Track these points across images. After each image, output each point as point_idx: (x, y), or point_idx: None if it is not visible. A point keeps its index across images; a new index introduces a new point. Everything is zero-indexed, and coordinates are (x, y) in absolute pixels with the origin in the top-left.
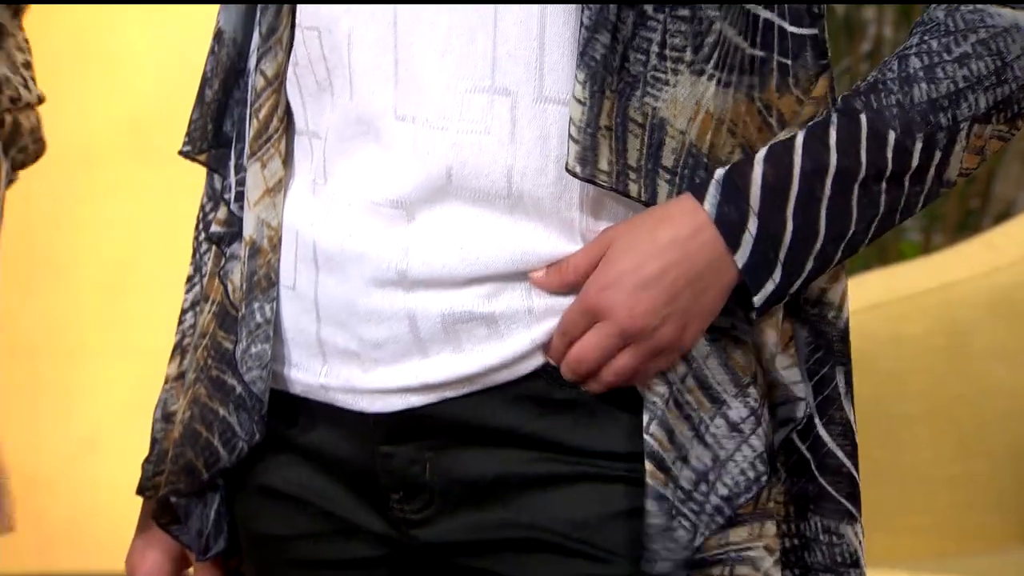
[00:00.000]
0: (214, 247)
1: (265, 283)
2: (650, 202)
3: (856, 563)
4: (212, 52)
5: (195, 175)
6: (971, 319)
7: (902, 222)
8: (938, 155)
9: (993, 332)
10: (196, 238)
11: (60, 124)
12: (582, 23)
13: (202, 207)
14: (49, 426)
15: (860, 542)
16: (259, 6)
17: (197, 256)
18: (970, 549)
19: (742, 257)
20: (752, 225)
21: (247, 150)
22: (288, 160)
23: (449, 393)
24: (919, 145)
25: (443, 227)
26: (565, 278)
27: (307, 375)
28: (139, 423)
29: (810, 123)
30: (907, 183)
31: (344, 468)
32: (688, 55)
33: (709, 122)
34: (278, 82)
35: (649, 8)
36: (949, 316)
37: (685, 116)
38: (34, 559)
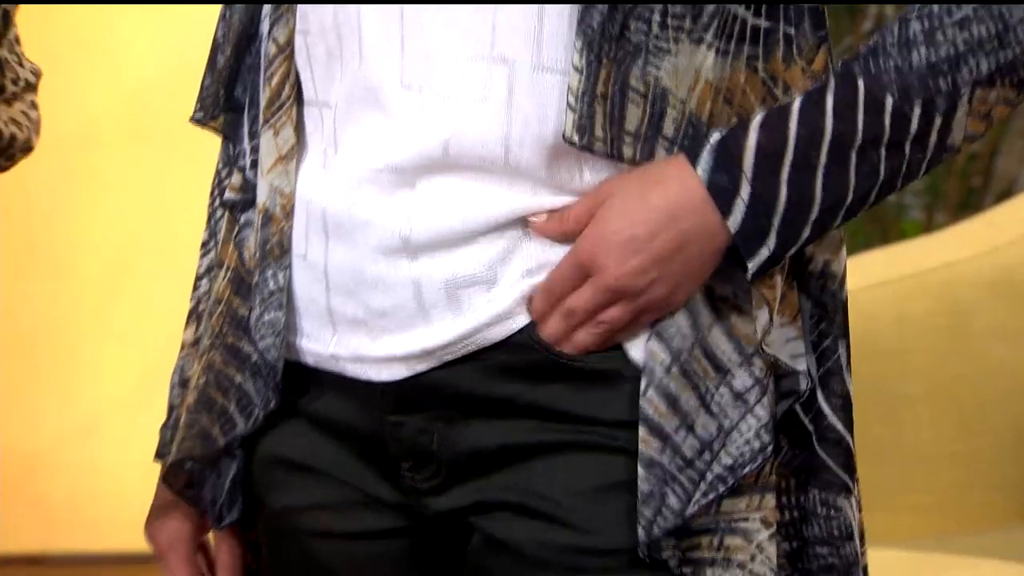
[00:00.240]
0: (227, 213)
1: (278, 251)
2: None
3: (851, 536)
4: (223, 18)
5: (194, 159)
6: (973, 298)
7: (905, 187)
8: (939, 120)
9: (995, 311)
10: (211, 204)
11: (59, 108)
12: None
13: (217, 172)
14: (49, 409)
15: (856, 515)
16: None
17: (212, 222)
18: (971, 528)
19: (735, 223)
20: (745, 192)
21: (260, 117)
22: (300, 131)
23: (448, 356)
24: (918, 110)
25: (444, 194)
26: (564, 227)
27: (318, 345)
28: (138, 406)
29: (809, 89)
30: (908, 149)
31: (356, 438)
32: (687, 23)
33: (708, 91)
34: (290, 49)
35: None
36: (951, 295)
37: (685, 85)
38: (34, 540)
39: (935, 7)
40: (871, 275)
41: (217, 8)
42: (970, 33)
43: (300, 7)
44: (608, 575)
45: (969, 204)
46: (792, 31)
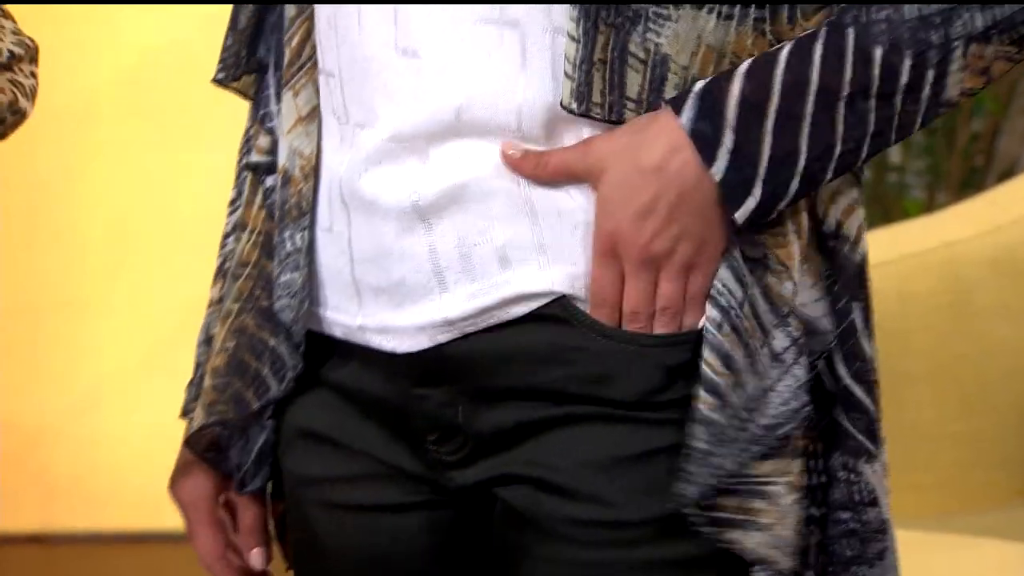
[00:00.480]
0: (251, 175)
1: (296, 212)
2: None
3: (874, 502)
4: None
5: (195, 132)
6: (975, 277)
7: (899, 141)
8: (931, 74)
9: (997, 290)
10: (239, 162)
11: (60, 80)
12: None
13: (246, 131)
14: (51, 383)
15: (880, 482)
16: None
17: (239, 181)
18: (973, 507)
19: (718, 172)
20: (728, 139)
21: (282, 78)
22: (321, 96)
23: (469, 328)
24: (908, 62)
25: (453, 159)
26: (538, 172)
27: (345, 316)
28: (140, 381)
29: (799, 36)
30: (899, 101)
31: (382, 410)
32: None
33: (711, 56)
34: (309, 10)
35: None
36: (953, 274)
37: (687, 52)
38: (36, 515)
39: None
40: (873, 254)
41: None
42: None
43: None
44: (633, 547)
45: (971, 183)
46: None
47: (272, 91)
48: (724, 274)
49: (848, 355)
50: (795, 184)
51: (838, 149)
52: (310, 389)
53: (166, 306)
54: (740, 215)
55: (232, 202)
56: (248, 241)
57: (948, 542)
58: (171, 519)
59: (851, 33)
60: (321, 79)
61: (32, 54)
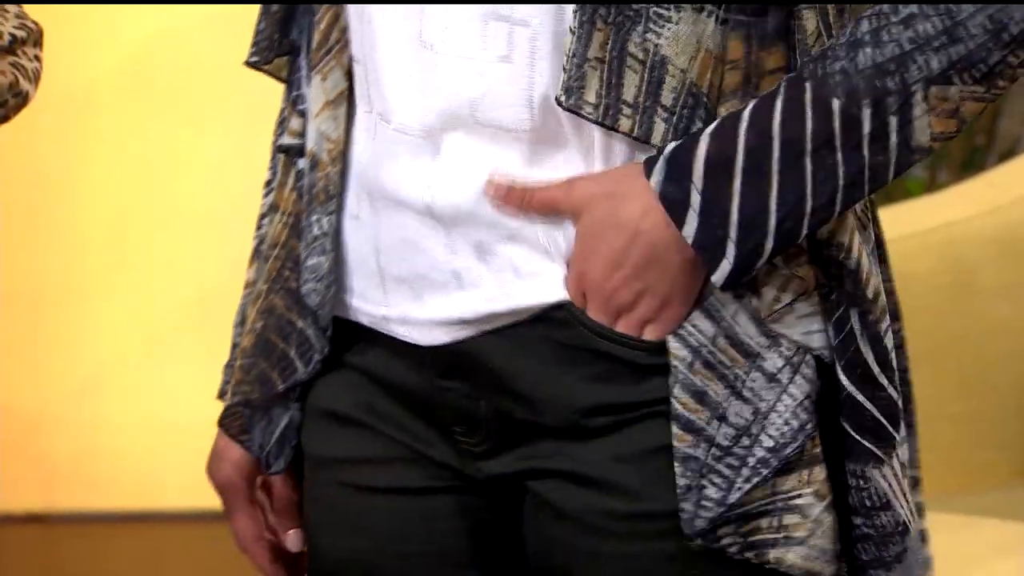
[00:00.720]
0: (283, 157)
1: (323, 196)
2: (643, 139)
3: (887, 506)
4: None
5: (196, 122)
6: (976, 257)
7: (875, 191)
8: (894, 121)
9: (998, 270)
10: (273, 143)
11: (60, 71)
12: None
13: (281, 112)
14: (51, 367)
15: (891, 484)
16: None
17: (273, 162)
18: (973, 487)
19: (689, 234)
20: (696, 202)
21: (312, 61)
22: (351, 81)
23: (487, 327)
24: (867, 111)
25: (465, 161)
26: (523, 207)
27: (371, 306)
28: (141, 365)
29: (762, 94)
30: (867, 152)
31: (410, 398)
32: None
33: (709, 60)
34: None
35: None
36: (953, 254)
37: (687, 55)
38: (36, 498)
39: (884, 6)
40: None
41: None
42: (915, 31)
43: None
44: (667, 538)
45: (972, 164)
46: None
47: (304, 73)
48: (694, 313)
49: (849, 363)
50: (769, 242)
51: (809, 204)
52: (335, 371)
53: (165, 294)
54: (717, 279)
55: (267, 183)
56: (279, 222)
57: (947, 522)
58: (168, 499)
59: (808, 88)
60: (355, 66)
61: (36, 37)
